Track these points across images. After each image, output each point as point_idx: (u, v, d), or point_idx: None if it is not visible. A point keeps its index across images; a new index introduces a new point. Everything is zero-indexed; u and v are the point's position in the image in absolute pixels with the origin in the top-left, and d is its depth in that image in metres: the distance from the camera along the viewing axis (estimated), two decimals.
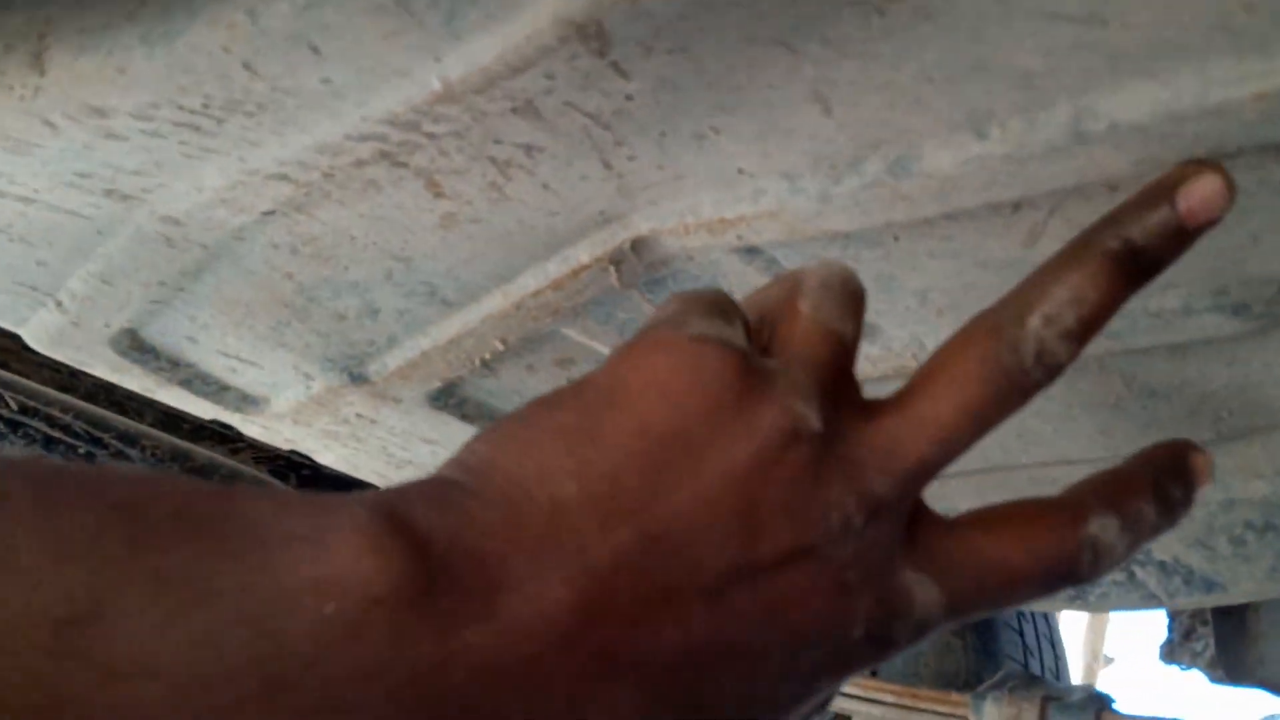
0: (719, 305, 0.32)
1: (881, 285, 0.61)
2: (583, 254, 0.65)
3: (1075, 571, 0.32)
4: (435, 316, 0.74)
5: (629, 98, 0.48)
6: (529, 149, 0.54)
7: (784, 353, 0.32)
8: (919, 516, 0.32)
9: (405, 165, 0.57)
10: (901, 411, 0.31)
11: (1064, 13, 0.36)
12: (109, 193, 0.65)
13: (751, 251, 0.62)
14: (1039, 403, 0.68)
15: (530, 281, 0.69)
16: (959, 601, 0.31)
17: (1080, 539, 0.32)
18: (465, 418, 0.87)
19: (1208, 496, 0.69)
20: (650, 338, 0.30)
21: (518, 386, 0.83)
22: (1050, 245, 0.52)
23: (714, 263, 0.64)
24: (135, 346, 0.84)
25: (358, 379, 0.82)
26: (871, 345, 0.68)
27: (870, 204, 0.50)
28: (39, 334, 0.85)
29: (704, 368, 0.29)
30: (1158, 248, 0.34)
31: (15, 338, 0.88)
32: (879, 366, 0.70)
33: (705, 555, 0.27)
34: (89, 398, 1.51)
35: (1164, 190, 0.34)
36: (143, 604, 0.20)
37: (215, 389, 0.88)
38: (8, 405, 1.03)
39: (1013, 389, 0.32)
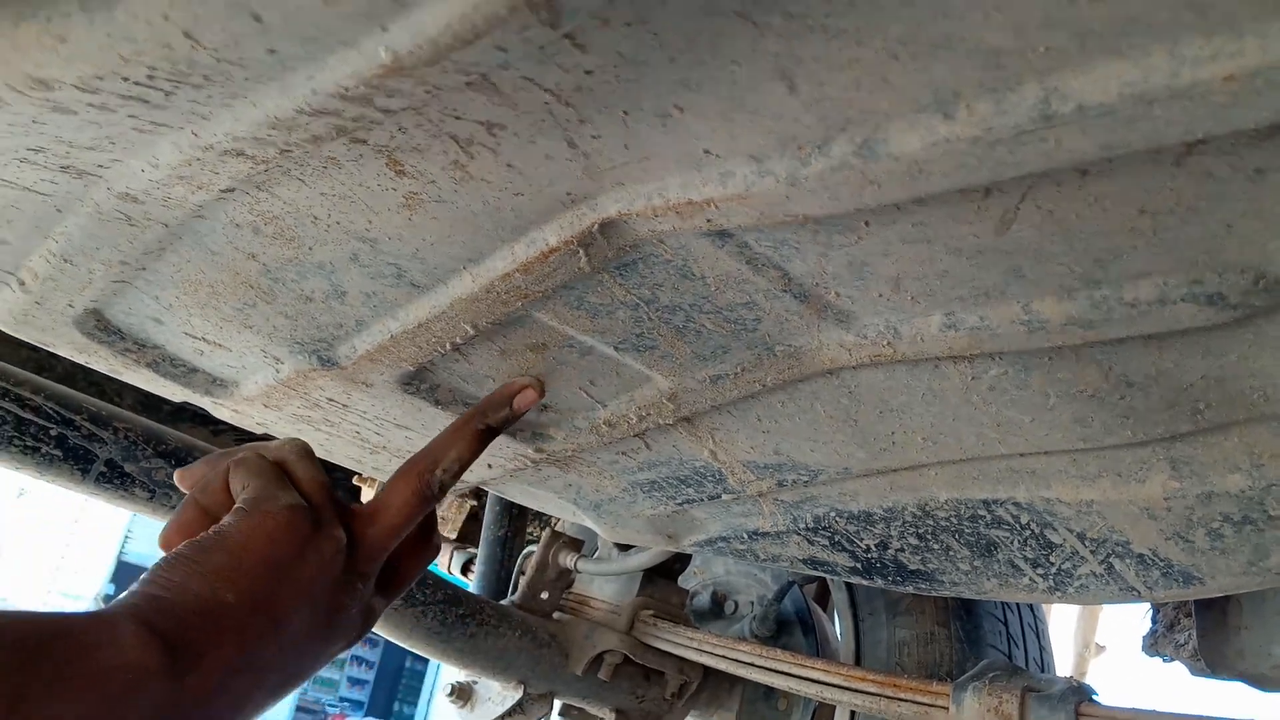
0: (283, 480, 0.66)
1: (854, 272, 0.60)
2: (551, 236, 0.63)
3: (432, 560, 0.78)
4: (403, 299, 0.73)
5: (589, 73, 0.47)
6: (490, 126, 0.53)
7: (312, 498, 0.66)
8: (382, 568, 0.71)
9: (364, 142, 0.56)
10: (376, 522, 0.68)
11: None
12: (65, 168, 0.63)
13: (723, 235, 0.60)
14: (1018, 394, 0.67)
15: (498, 264, 0.67)
16: (394, 599, 0.74)
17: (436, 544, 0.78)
18: (438, 403, 0.85)
19: (1185, 490, 0.68)
20: (260, 508, 0.62)
21: (490, 371, 0.81)
22: (1022, 231, 0.51)
23: (684, 247, 0.62)
24: (101, 327, 0.83)
25: (327, 363, 0.80)
26: (846, 333, 0.67)
27: (839, 188, 0.49)
28: (3, 314, 0.83)
29: (292, 523, 0.62)
30: (501, 426, 0.74)
31: None
32: (854, 354, 0.68)
33: (300, 619, 0.61)
34: (66, 379, 1.49)
35: (507, 397, 0.75)
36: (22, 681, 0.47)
37: (183, 371, 0.87)
38: None
39: (426, 504, 0.70)
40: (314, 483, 0.67)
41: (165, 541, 0.66)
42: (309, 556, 0.61)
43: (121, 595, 0.56)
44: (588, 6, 0.39)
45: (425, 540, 0.75)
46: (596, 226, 0.61)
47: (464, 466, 0.71)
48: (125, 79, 0.48)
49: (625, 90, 0.48)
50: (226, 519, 0.62)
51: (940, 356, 0.65)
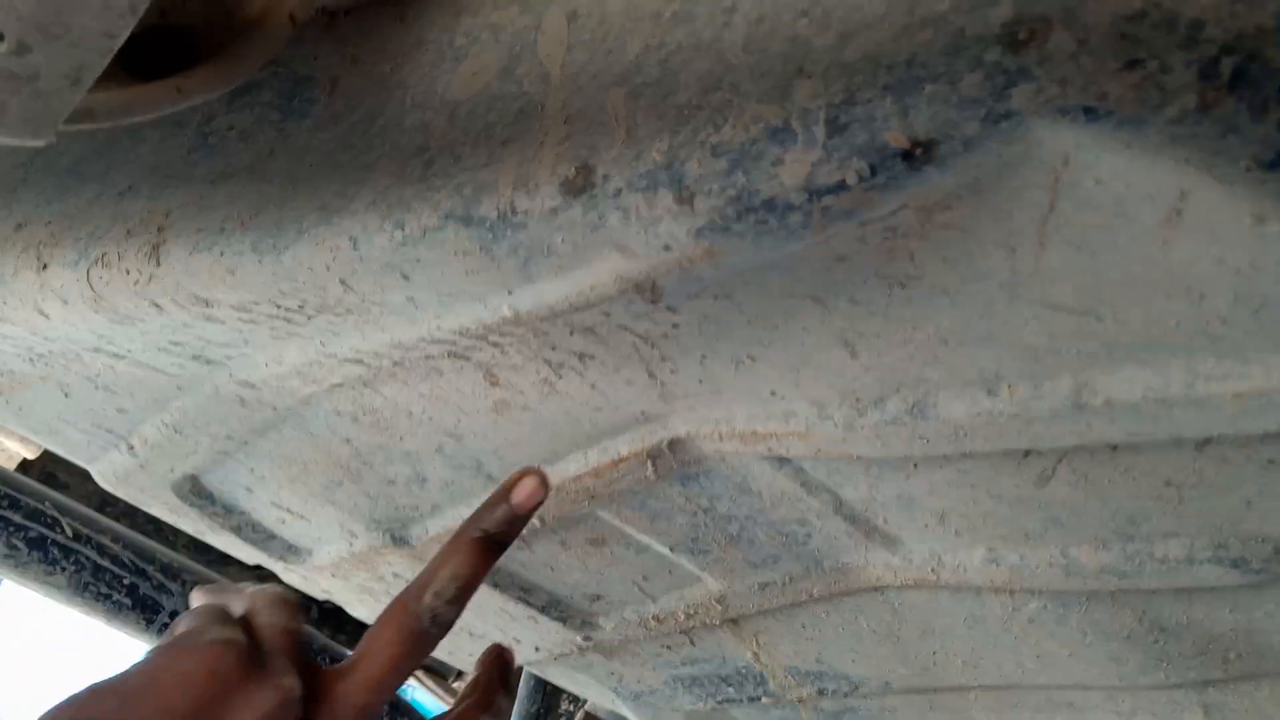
0: (225, 615, 0.49)
1: (903, 505, 0.64)
2: (623, 447, 0.69)
3: None
4: (479, 490, 0.78)
5: (675, 326, 0.54)
6: (582, 356, 0.60)
7: (263, 642, 0.47)
8: None
9: (468, 359, 0.63)
10: (351, 675, 0.47)
11: (1065, 305, 0.41)
12: (195, 357, 0.71)
13: (781, 460, 0.66)
14: (1056, 629, 0.70)
15: (571, 466, 0.73)
16: None
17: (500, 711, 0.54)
18: (497, 586, 0.90)
19: None
20: (177, 644, 0.45)
21: (549, 560, 0.86)
22: (1059, 488, 0.56)
23: (745, 466, 0.68)
24: (195, 492, 0.89)
25: (399, 541, 0.86)
26: (893, 556, 0.71)
27: (891, 438, 0.54)
28: (107, 473, 0.90)
29: (219, 663, 0.44)
30: (504, 531, 0.51)
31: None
32: (899, 576, 0.72)
33: None
34: (126, 516, 1.56)
35: (503, 493, 0.52)
36: None
37: (263, 537, 0.92)
38: (63, 531, 1.08)
39: (419, 645, 0.48)
40: (273, 628, 0.51)
41: None
42: (236, 707, 0.45)
43: None
44: (685, 290, 0.46)
45: (483, 705, 0.55)
46: (666, 443, 0.67)
47: (464, 589, 0.52)
48: (278, 306, 0.56)
49: (705, 340, 0.55)
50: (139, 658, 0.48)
51: (982, 587, 0.68)
